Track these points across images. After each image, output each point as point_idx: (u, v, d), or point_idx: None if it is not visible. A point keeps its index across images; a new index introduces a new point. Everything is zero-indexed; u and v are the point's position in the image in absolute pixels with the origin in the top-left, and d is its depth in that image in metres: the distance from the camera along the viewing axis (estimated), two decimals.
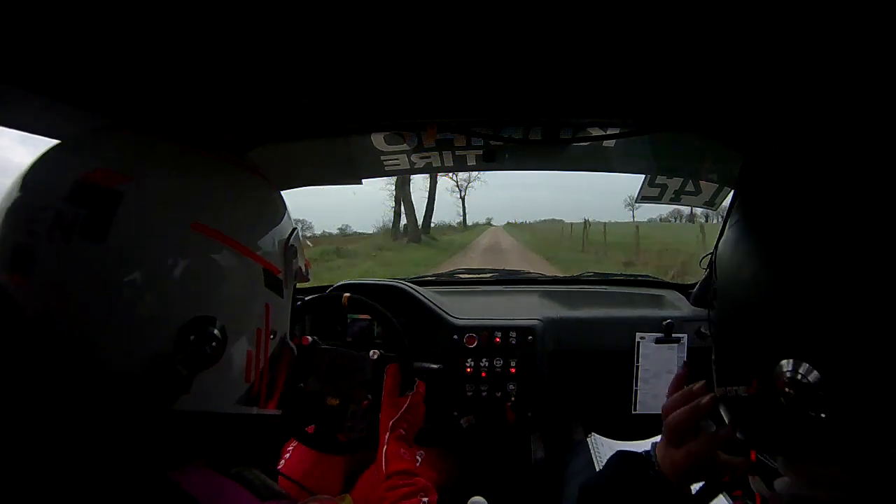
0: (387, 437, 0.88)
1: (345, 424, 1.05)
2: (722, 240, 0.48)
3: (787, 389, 0.38)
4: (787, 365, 0.38)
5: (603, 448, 1.00)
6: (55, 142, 0.48)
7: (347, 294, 1.03)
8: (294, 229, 0.56)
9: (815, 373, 0.36)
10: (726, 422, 0.48)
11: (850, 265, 0.36)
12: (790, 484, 0.43)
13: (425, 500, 0.78)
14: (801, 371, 0.37)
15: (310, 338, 1.01)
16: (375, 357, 1.02)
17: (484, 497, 1.23)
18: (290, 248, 0.54)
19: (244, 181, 0.52)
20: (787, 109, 0.67)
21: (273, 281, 0.51)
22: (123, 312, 0.41)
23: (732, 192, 1.13)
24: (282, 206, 0.56)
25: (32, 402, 0.38)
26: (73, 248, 0.40)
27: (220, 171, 0.50)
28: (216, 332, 0.44)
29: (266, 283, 0.50)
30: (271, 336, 0.51)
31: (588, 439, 1.02)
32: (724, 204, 1.24)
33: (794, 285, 0.38)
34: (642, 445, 0.98)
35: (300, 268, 0.56)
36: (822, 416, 0.36)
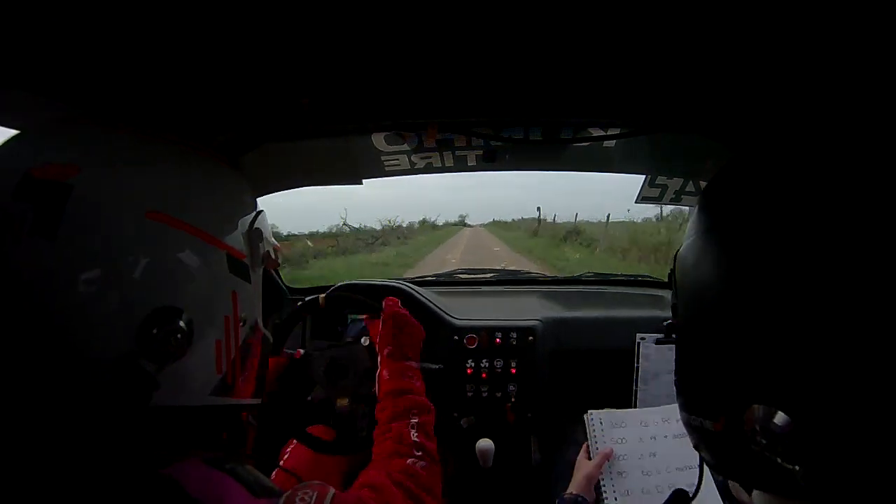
0: (379, 359, 0.84)
1: (357, 425, 1.05)
2: (683, 250, 0.43)
3: (758, 437, 0.34)
4: (759, 410, 0.34)
5: (603, 425, 0.96)
6: None
7: (322, 295, 1.03)
8: (259, 212, 0.54)
9: (790, 422, 0.33)
10: (693, 445, 0.45)
11: (825, 303, 0.32)
12: (766, 500, 0.40)
13: (414, 420, 0.71)
14: (774, 419, 0.33)
15: (301, 350, 1.01)
16: (367, 343, 1.02)
17: (484, 498, 1.23)
18: (254, 231, 0.52)
19: (201, 166, 0.51)
20: (787, 109, 0.67)
21: (238, 266, 0.49)
22: (82, 309, 0.39)
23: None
24: (244, 189, 0.54)
25: (10, 405, 0.38)
26: (23, 247, 0.38)
27: (176, 158, 0.49)
28: (181, 323, 0.43)
29: (230, 268, 0.48)
30: (241, 323, 0.50)
31: (585, 416, 0.98)
32: None
33: (771, 322, 0.34)
34: (642, 414, 0.96)
35: (268, 252, 0.54)
36: (796, 468, 0.33)
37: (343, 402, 0.98)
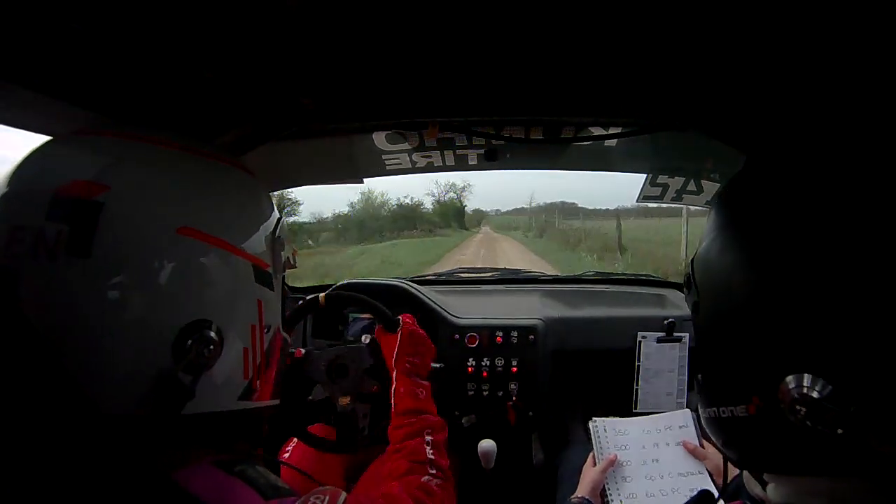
0: (394, 375, 0.85)
1: (359, 425, 1.05)
2: (703, 249, 0.45)
3: (797, 407, 0.35)
4: (794, 380, 0.35)
5: (607, 432, 0.98)
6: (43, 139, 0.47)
7: (323, 294, 1.03)
8: (279, 219, 0.55)
9: (829, 387, 0.34)
10: (718, 444, 0.46)
11: (857, 267, 0.34)
12: (783, 493, 0.41)
13: (429, 438, 0.73)
14: (812, 386, 0.34)
15: (303, 349, 1.01)
16: (368, 341, 1.02)
17: (485, 498, 1.24)
18: (277, 240, 0.54)
19: (226, 177, 0.52)
20: (789, 108, 0.67)
21: (263, 276, 0.50)
22: (118, 325, 0.40)
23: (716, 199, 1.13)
24: (265, 198, 0.55)
25: (33, 417, 0.38)
26: (59, 266, 0.39)
27: (200, 169, 0.50)
28: (212, 334, 0.44)
29: (256, 278, 0.49)
30: (265, 330, 0.51)
31: (590, 424, 1.00)
32: None
33: (797, 293, 0.36)
34: (645, 422, 0.97)
35: (288, 258, 0.56)
36: (839, 431, 0.34)
37: (345, 400, 0.98)
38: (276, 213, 0.55)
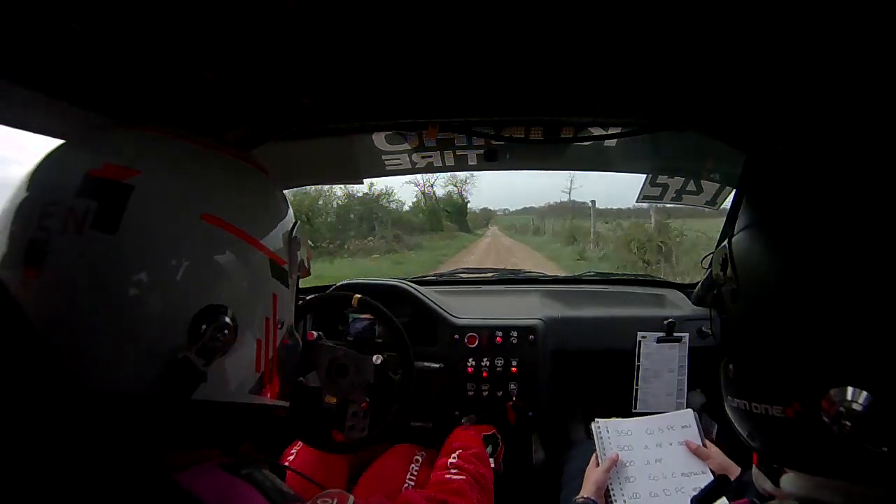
0: (456, 433, 1.00)
1: (345, 424, 1.05)
2: (744, 239, 0.44)
3: (842, 420, 0.34)
4: (840, 393, 0.34)
5: (610, 433, 0.98)
6: (55, 141, 0.48)
7: (358, 295, 1.02)
8: (296, 222, 0.57)
9: (876, 404, 0.33)
10: (742, 434, 0.45)
11: None
12: (801, 485, 0.41)
13: (458, 451, 0.88)
14: (860, 401, 0.33)
15: (315, 333, 1.02)
16: (379, 362, 1.02)
17: None
18: (294, 240, 0.55)
19: (248, 175, 0.53)
20: (790, 107, 0.67)
21: (279, 271, 0.51)
22: (137, 304, 0.41)
23: (737, 189, 1.13)
24: (284, 200, 0.57)
25: (37, 402, 0.38)
26: (85, 239, 0.40)
27: (224, 165, 0.51)
28: (227, 320, 0.44)
29: (273, 273, 0.50)
30: (279, 326, 0.52)
31: (592, 425, 1.00)
32: (725, 204, 1.24)
33: (850, 303, 0.35)
34: (647, 423, 0.97)
35: (303, 260, 0.57)
36: (884, 449, 0.33)
37: (331, 399, 0.99)
38: (292, 215, 0.57)
